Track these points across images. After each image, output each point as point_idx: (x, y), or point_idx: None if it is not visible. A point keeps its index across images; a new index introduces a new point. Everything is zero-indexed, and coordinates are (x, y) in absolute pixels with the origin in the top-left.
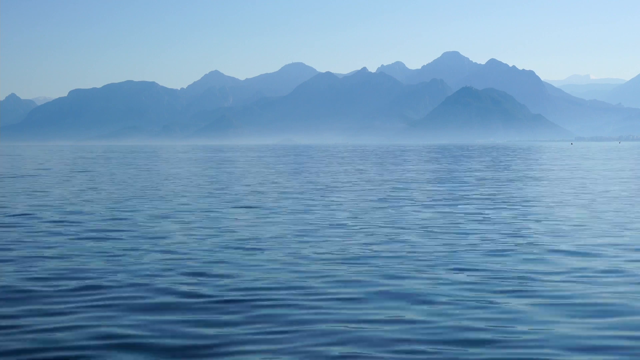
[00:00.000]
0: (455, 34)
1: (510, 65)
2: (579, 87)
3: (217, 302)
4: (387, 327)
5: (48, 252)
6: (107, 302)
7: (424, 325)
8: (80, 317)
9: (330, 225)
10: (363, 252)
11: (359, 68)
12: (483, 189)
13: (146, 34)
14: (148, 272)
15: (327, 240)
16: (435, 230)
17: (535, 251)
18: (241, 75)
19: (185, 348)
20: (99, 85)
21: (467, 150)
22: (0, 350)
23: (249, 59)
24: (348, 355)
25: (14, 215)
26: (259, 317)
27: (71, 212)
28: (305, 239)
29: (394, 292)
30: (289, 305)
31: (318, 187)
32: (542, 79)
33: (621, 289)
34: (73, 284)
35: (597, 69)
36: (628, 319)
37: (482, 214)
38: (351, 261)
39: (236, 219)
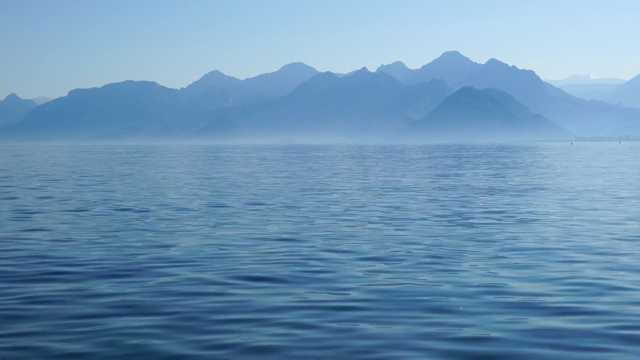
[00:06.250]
0: (455, 34)
1: (510, 65)
2: (579, 87)
3: None
4: None
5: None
6: None
7: None
8: None
9: None
10: None
11: (359, 68)
12: None
13: (146, 34)
14: None
15: None
16: None
17: None
18: (241, 75)
19: None
20: (99, 85)
21: (510, 150)
22: None
23: (249, 59)
24: None
25: None
26: None
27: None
28: None
29: None
30: None
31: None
32: (542, 79)
33: None
34: None
35: (597, 69)
36: None
37: None
38: None
39: None
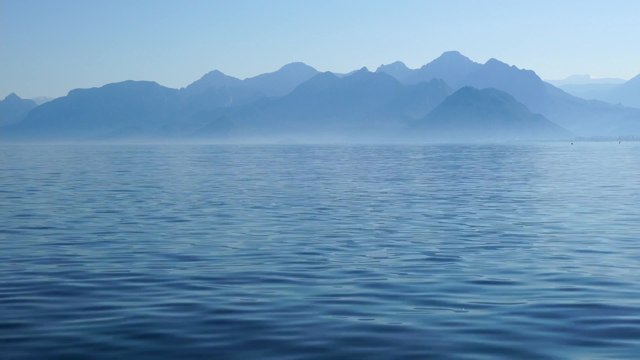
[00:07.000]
0: (455, 34)
1: (510, 65)
2: (579, 87)
3: None
4: None
5: None
6: None
7: None
8: None
9: None
10: None
11: (359, 68)
12: None
13: (146, 34)
14: None
15: None
16: None
17: None
18: (241, 75)
19: None
20: (99, 85)
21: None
22: None
23: (249, 59)
24: None
25: None
26: None
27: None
28: None
29: None
30: None
31: None
32: (542, 79)
33: None
34: None
35: (597, 69)
36: None
37: None
38: None
39: None
